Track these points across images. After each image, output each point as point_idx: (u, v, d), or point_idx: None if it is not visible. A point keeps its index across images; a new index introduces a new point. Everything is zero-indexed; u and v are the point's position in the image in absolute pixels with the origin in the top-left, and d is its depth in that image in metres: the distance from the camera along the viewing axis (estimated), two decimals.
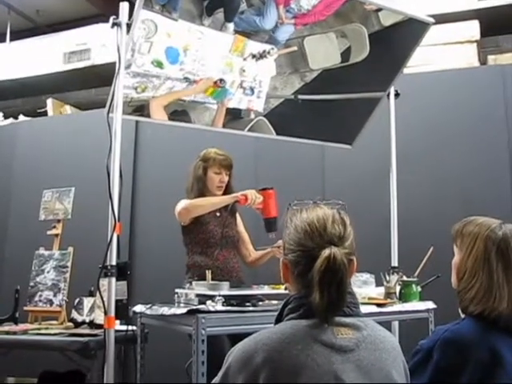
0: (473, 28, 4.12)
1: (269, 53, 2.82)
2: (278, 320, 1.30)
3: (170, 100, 2.73)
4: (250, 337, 1.25)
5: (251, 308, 2.26)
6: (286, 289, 1.38)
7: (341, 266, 1.22)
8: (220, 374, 1.25)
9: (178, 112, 2.81)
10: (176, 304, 2.41)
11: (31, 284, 3.31)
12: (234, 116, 2.97)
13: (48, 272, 3.30)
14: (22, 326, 3.02)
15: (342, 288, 1.23)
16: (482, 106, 3.72)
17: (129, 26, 2.31)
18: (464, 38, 4.10)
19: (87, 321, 2.99)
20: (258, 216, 2.92)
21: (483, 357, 1.41)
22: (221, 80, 2.79)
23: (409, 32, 2.99)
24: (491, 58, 4.13)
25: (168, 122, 2.80)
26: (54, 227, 3.43)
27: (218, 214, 2.98)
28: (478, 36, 4.10)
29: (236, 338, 1.46)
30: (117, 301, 2.14)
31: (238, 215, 3.13)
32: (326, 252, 1.22)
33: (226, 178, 3.03)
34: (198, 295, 2.33)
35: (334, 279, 1.21)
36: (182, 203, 2.89)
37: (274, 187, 2.85)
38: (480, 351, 1.41)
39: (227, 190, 3.02)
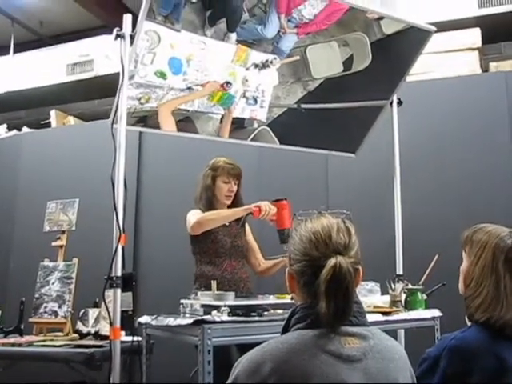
0: (474, 35, 4.12)
1: (271, 62, 2.83)
2: (285, 330, 1.30)
3: (177, 104, 2.74)
4: (257, 347, 1.24)
5: (257, 318, 2.24)
6: (292, 299, 1.38)
7: (346, 275, 1.22)
8: None
9: (183, 119, 2.81)
10: (181, 314, 2.41)
11: (36, 295, 3.31)
12: (238, 125, 2.97)
13: (53, 283, 3.30)
14: (27, 338, 3.03)
15: (348, 297, 1.23)
16: (484, 113, 3.72)
17: (132, 37, 2.32)
18: (466, 45, 4.10)
19: (92, 332, 2.99)
20: (263, 225, 2.90)
21: (490, 364, 1.41)
22: (227, 83, 2.79)
23: (411, 40, 3.00)
24: (493, 65, 4.14)
25: (171, 132, 2.81)
26: (59, 238, 3.45)
27: (227, 224, 2.93)
28: (479, 43, 4.11)
29: (244, 348, 1.46)
30: (122, 312, 2.14)
31: (246, 225, 3.11)
32: (331, 261, 1.22)
33: (235, 188, 3.01)
34: (203, 305, 2.33)
35: (340, 288, 1.21)
36: (194, 216, 2.85)
37: (287, 198, 2.81)
38: (487, 359, 1.41)
39: (236, 200, 3.01)
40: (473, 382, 1.40)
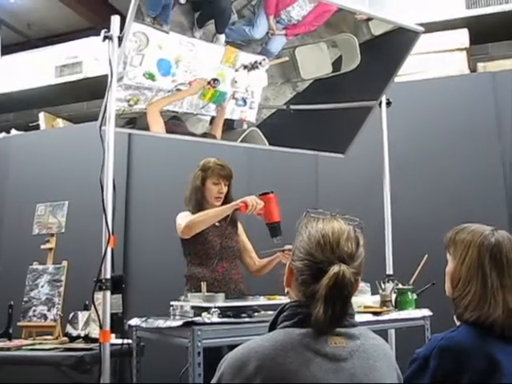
0: (462, 36, 4.15)
1: (260, 63, 2.83)
2: (272, 327, 1.30)
3: (166, 103, 2.72)
4: (243, 344, 1.24)
5: (247, 319, 2.24)
6: (287, 293, 1.37)
7: (348, 285, 1.22)
8: (213, 381, 1.25)
9: (172, 118, 2.79)
10: (171, 316, 2.40)
11: (25, 299, 3.29)
12: (227, 127, 2.96)
13: (42, 286, 3.28)
14: (16, 342, 3.01)
15: (346, 305, 1.24)
16: (473, 113, 3.74)
17: (120, 39, 2.32)
18: (454, 45, 4.13)
19: (82, 335, 2.98)
20: (261, 223, 2.87)
21: (480, 363, 1.40)
22: (214, 80, 2.77)
23: (399, 41, 3.01)
24: (481, 66, 4.16)
25: (161, 134, 2.80)
26: (48, 241, 3.42)
27: (217, 225, 2.89)
28: (467, 44, 4.14)
29: (235, 346, 1.45)
30: (112, 314, 2.13)
31: (239, 224, 3.08)
32: (335, 268, 1.22)
33: (225, 189, 2.97)
34: (193, 307, 2.32)
35: (340, 296, 1.21)
36: (183, 219, 2.83)
37: (274, 191, 2.80)
38: (477, 358, 1.41)
39: (226, 201, 2.93)
40: (463, 381, 1.40)
